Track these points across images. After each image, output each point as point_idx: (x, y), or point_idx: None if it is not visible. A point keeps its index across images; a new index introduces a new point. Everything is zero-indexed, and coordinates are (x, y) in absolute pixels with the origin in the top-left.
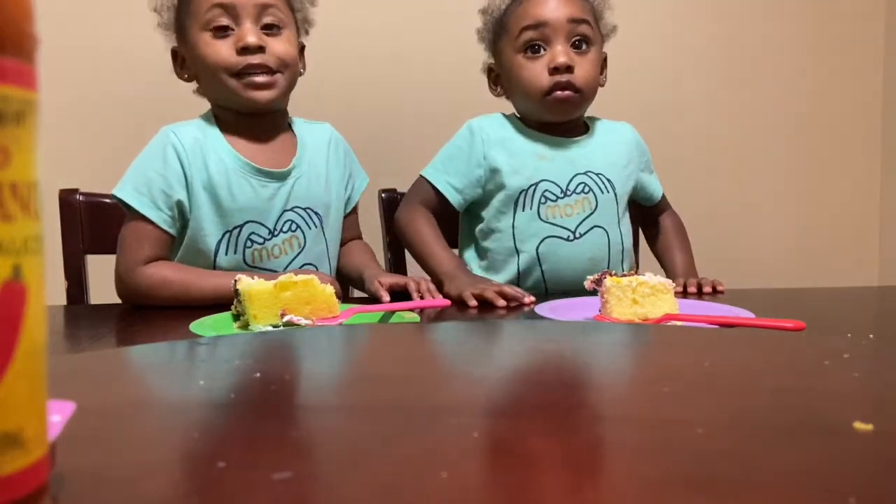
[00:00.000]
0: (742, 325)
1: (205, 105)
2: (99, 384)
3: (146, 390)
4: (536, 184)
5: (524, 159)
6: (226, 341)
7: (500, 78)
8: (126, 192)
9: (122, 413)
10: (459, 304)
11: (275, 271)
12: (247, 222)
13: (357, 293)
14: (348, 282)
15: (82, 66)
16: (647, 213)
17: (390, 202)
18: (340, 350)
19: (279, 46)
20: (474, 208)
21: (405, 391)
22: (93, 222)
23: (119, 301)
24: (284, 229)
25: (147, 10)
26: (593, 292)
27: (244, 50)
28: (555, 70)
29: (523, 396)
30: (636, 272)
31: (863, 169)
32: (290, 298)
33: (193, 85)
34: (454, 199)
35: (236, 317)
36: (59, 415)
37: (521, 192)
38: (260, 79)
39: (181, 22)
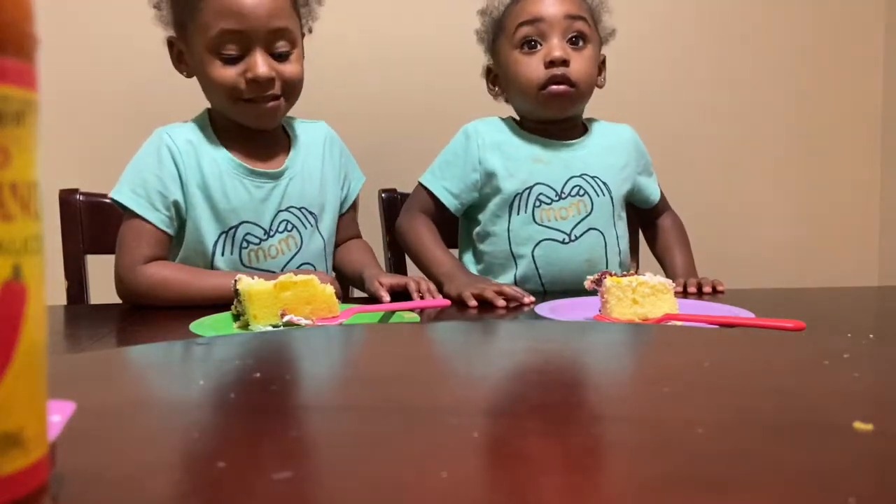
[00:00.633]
0: (742, 325)
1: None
2: (99, 384)
3: (146, 390)
4: (531, 187)
5: (519, 163)
6: (226, 341)
7: (497, 78)
8: (123, 193)
9: (122, 413)
10: (459, 304)
11: (272, 272)
12: (242, 223)
13: (357, 293)
14: (347, 281)
15: (82, 66)
16: (646, 215)
17: (390, 202)
18: (340, 350)
19: (288, 70)
20: (471, 212)
21: (405, 391)
22: (93, 222)
23: (119, 301)
24: (280, 229)
25: (148, 10)
26: (593, 292)
27: (254, 82)
28: (550, 63)
29: (523, 396)
30: (636, 272)
31: (863, 169)
32: (290, 298)
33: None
34: (451, 203)
35: (236, 317)
36: (59, 415)
37: (515, 196)
38: (267, 106)
39: (182, 20)
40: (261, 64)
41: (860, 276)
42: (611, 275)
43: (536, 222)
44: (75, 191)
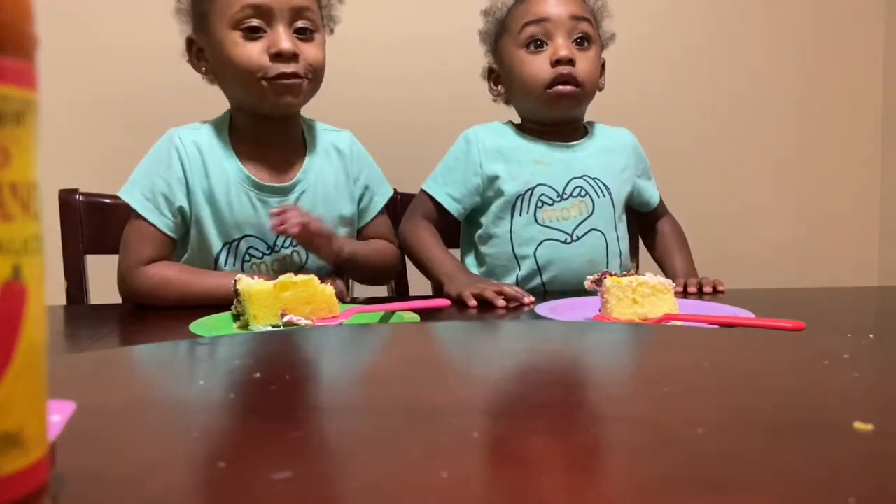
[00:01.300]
0: (742, 326)
1: (207, 105)
2: (99, 384)
3: (146, 390)
4: (532, 188)
5: (521, 165)
6: (226, 341)
7: (500, 79)
8: (132, 194)
9: (122, 413)
10: (459, 304)
11: None
12: (245, 236)
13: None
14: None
15: (82, 65)
16: (645, 219)
17: (390, 203)
18: (340, 350)
19: (311, 52)
20: (473, 214)
21: (405, 391)
22: (93, 222)
23: (119, 301)
24: (285, 245)
25: (148, 10)
26: (593, 292)
27: (277, 56)
28: (557, 62)
29: (523, 396)
30: (636, 272)
31: (863, 169)
32: (290, 298)
33: (193, 84)
34: (453, 208)
35: (236, 317)
36: (59, 415)
37: (517, 197)
38: (290, 83)
39: (202, 11)
40: (284, 38)
41: (860, 276)
42: (611, 275)
43: (538, 223)
44: (75, 191)
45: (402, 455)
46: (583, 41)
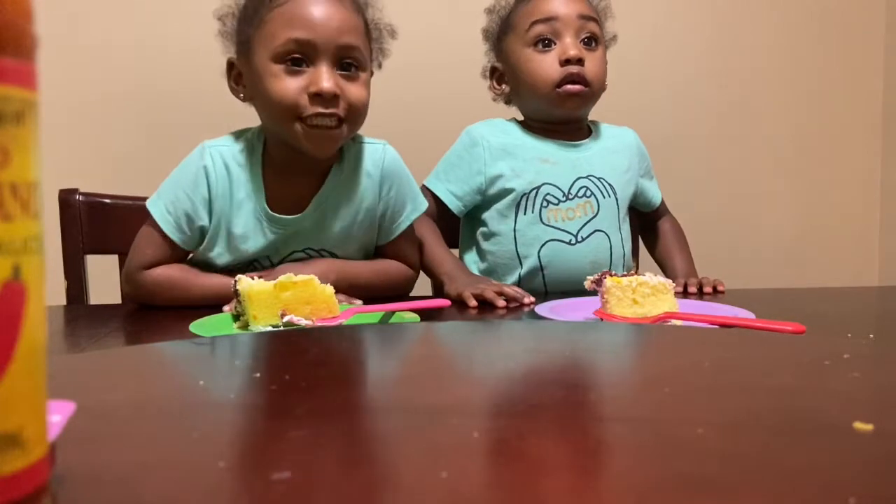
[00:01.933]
0: (742, 327)
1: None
2: (99, 384)
3: (146, 390)
4: (538, 187)
5: (527, 163)
6: (226, 341)
7: (503, 78)
8: (157, 205)
9: (122, 413)
10: (459, 304)
11: None
12: (252, 261)
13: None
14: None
15: (82, 65)
16: (645, 219)
17: None
18: (340, 350)
19: (354, 92)
20: (476, 211)
21: (405, 391)
22: (93, 222)
23: (119, 301)
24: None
25: (148, 9)
26: (593, 292)
27: (316, 96)
28: (566, 62)
29: (523, 396)
30: (636, 272)
31: (863, 169)
32: (289, 298)
33: (193, 86)
34: (454, 206)
35: (236, 317)
36: (59, 415)
37: (522, 196)
38: (326, 128)
39: (246, 37)
40: (326, 77)
41: (860, 276)
42: (611, 275)
43: (543, 222)
44: (75, 191)
45: (402, 455)
46: (590, 41)
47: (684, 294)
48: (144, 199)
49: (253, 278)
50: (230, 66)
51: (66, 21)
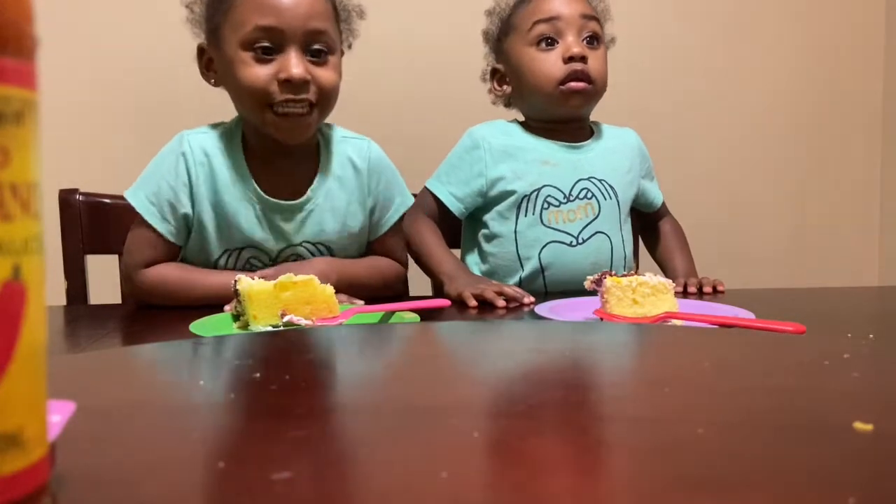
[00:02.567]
0: (742, 327)
1: (209, 105)
2: (99, 384)
3: (146, 390)
4: (539, 189)
5: (528, 164)
6: (226, 341)
7: (504, 79)
8: (137, 197)
9: (122, 413)
10: (459, 304)
11: None
12: (248, 246)
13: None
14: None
15: (83, 65)
16: (646, 220)
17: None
18: (340, 350)
19: (324, 77)
20: (477, 213)
21: (405, 391)
22: (93, 222)
23: (119, 301)
24: (289, 261)
25: (147, 10)
26: (593, 292)
27: (286, 83)
28: (570, 59)
29: (524, 396)
30: (636, 272)
31: (863, 169)
32: (289, 298)
33: (195, 85)
34: (455, 208)
35: (236, 317)
36: (59, 415)
37: (523, 198)
38: (296, 113)
39: (215, 23)
40: (295, 63)
41: (860, 276)
42: (611, 275)
43: (544, 224)
44: (75, 191)
45: (402, 455)
46: (592, 40)
47: (684, 294)
48: None
49: (253, 278)
50: (201, 51)
51: (67, 21)
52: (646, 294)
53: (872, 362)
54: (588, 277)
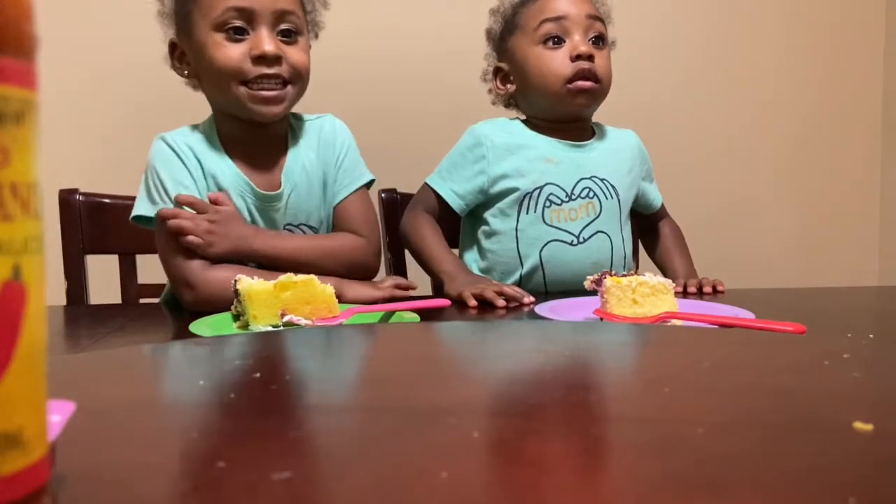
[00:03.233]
0: (742, 327)
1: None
2: (99, 384)
3: (146, 390)
4: (542, 187)
5: (531, 162)
6: (226, 341)
7: (508, 78)
8: (141, 208)
9: (122, 413)
10: (459, 303)
11: None
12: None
13: None
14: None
15: (83, 66)
16: (645, 222)
17: (390, 202)
18: (340, 350)
19: (295, 55)
20: (478, 210)
21: (405, 391)
22: (93, 222)
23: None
24: None
25: (147, 10)
26: (593, 292)
27: (260, 59)
28: (577, 58)
29: (523, 396)
30: (636, 272)
31: (863, 169)
32: (289, 298)
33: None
34: (456, 205)
35: (236, 317)
36: (59, 415)
37: (525, 195)
38: (271, 93)
39: (185, 13)
40: (267, 41)
41: (860, 276)
42: (611, 275)
43: (545, 223)
44: (75, 191)
45: (402, 455)
46: (598, 40)
47: (684, 294)
48: None
49: (253, 278)
50: (172, 46)
51: (67, 21)
52: (646, 294)
53: (872, 362)
54: (588, 277)
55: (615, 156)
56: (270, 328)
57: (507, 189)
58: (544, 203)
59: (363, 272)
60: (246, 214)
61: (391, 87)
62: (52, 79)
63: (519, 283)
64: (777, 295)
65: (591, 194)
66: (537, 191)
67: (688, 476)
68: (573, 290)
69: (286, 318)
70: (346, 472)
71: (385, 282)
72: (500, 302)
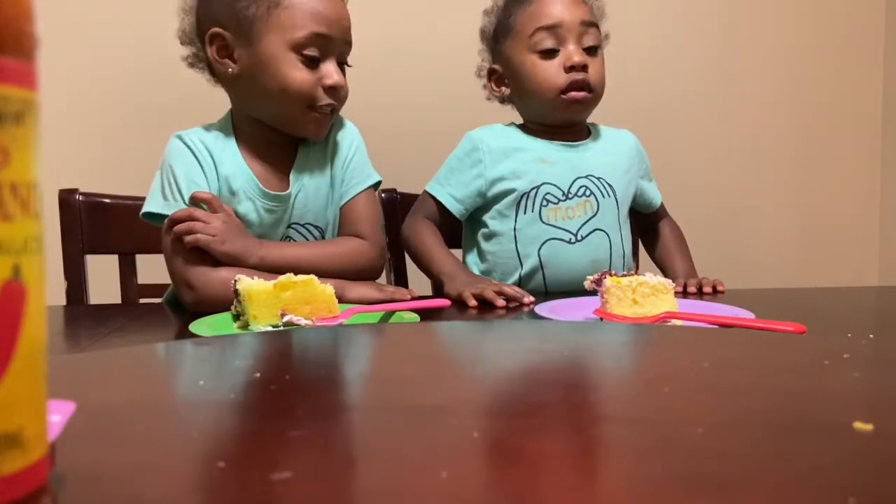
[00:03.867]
0: (742, 327)
1: (208, 105)
2: (99, 384)
3: (146, 390)
4: (538, 187)
5: (527, 164)
6: (226, 341)
7: (502, 80)
8: (153, 204)
9: (122, 413)
10: (459, 304)
11: None
12: None
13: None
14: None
15: (83, 65)
16: (645, 222)
17: (390, 203)
18: (340, 350)
19: (344, 82)
20: (477, 213)
21: (405, 391)
22: (92, 222)
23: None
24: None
25: (148, 10)
26: (593, 292)
27: (332, 90)
28: (571, 68)
29: (523, 396)
30: (636, 272)
31: (863, 169)
32: (289, 298)
33: (194, 84)
34: (455, 209)
35: (236, 317)
36: (59, 415)
37: (523, 196)
38: (328, 116)
39: (250, 15)
40: (338, 72)
41: (860, 276)
42: (611, 274)
43: (543, 221)
44: (75, 191)
45: (402, 455)
46: (592, 48)
47: (684, 294)
48: (144, 199)
49: (253, 278)
50: (215, 37)
51: (67, 21)
52: (646, 294)
53: (872, 362)
54: (588, 277)
55: (611, 155)
56: (270, 328)
57: (505, 191)
58: (541, 202)
59: (368, 275)
60: (254, 215)
61: (391, 87)
62: (53, 79)
63: (519, 284)
64: (777, 295)
65: (588, 192)
66: (534, 191)
67: (688, 476)
68: (574, 290)
69: (286, 318)
70: (346, 472)
71: (389, 287)
72: (500, 302)
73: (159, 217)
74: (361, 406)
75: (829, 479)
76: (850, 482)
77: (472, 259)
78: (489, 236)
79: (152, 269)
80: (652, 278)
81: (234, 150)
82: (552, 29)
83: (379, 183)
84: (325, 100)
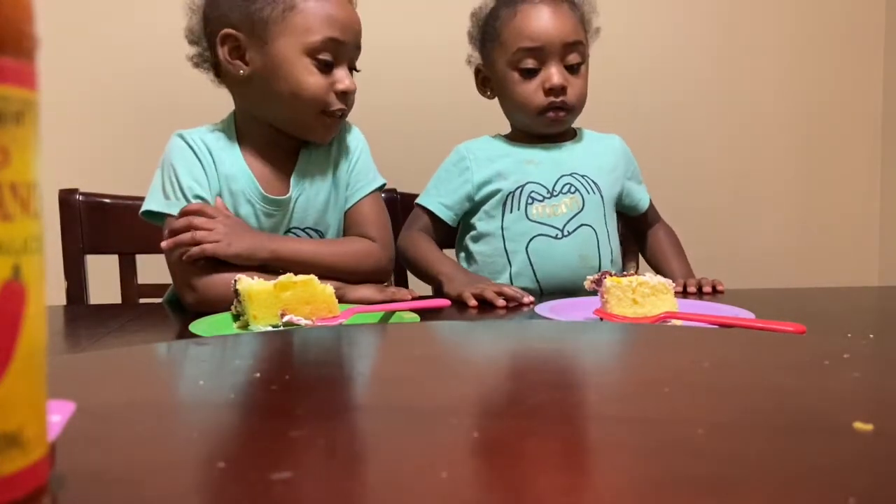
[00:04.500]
0: (742, 327)
1: (208, 104)
2: (99, 384)
3: (146, 390)
4: (523, 185)
5: (512, 166)
6: (226, 341)
7: (487, 81)
8: (153, 203)
9: (122, 413)
10: (459, 304)
11: None
12: None
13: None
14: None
15: (83, 65)
16: (638, 226)
17: (390, 202)
18: (340, 350)
19: (355, 87)
20: (465, 217)
21: (405, 391)
22: (93, 222)
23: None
24: None
25: (148, 10)
26: (593, 292)
27: (343, 95)
28: (550, 91)
29: (523, 396)
30: (636, 272)
31: (863, 169)
32: (289, 298)
33: (194, 84)
34: (446, 216)
35: (236, 317)
36: (59, 415)
37: (508, 195)
38: (338, 120)
39: (264, 17)
40: (349, 78)
41: (860, 276)
42: (611, 275)
43: (529, 219)
44: (75, 191)
45: (402, 455)
46: (575, 67)
47: (684, 294)
48: (144, 198)
49: (253, 278)
50: (227, 38)
51: (67, 21)
52: (646, 294)
53: (872, 362)
54: (588, 277)
55: (596, 156)
56: (270, 328)
57: (491, 192)
58: (527, 200)
59: (378, 276)
60: (252, 220)
61: (391, 87)
62: (53, 79)
63: (510, 282)
64: (777, 295)
65: (573, 189)
66: (519, 189)
67: (688, 476)
68: (565, 284)
69: (286, 318)
70: (346, 472)
71: (389, 287)
72: (500, 302)
73: (159, 216)
74: (361, 406)
75: (829, 479)
76: (850, 482)
77: (462, 262)
78: (478, 238)
79: (152, 269)
80: (652, 278)
81: (235, 151)
82: (533, 51)
83: (384, 185)
84: (336, 105)
